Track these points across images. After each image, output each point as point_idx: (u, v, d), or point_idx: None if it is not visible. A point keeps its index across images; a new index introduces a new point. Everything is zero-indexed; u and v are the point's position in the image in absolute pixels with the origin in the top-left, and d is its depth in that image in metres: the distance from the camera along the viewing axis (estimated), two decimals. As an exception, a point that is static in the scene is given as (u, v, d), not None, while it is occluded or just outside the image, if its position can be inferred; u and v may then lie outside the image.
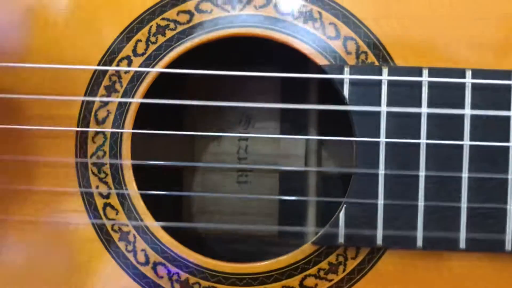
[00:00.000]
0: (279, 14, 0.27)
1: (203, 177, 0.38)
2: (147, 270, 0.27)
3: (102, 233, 0.28)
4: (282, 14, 0.27)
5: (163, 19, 0.27)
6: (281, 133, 0.38)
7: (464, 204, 0.25)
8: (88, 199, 0.28)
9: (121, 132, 0.27)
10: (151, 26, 0.27)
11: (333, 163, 0.36)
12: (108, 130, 0.27)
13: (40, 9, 0.28)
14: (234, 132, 0.37)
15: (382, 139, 0.25)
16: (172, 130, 0.32)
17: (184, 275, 0.27)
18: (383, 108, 0.25)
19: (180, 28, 0.28)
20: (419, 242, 0.25)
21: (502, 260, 0.26)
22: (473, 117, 0.25)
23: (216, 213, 0.38)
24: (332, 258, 0.27)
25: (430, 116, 0.25)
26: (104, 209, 0.28)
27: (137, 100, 0.26)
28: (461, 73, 0.25)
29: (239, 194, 0.38)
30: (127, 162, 0.27)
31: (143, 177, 0.28)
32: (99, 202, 0.28)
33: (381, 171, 0.25)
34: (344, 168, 0.31)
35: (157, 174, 0.30)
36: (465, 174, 0.25)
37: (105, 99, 0.26)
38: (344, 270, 0.27)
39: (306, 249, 0.27)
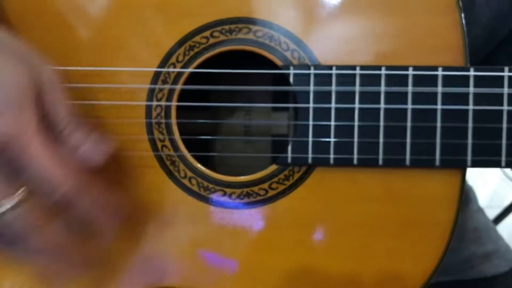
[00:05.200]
0: (256, 37, 0.48)
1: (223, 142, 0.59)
2: (186, 181, 0.49)
3: (161, 162, 0.49)
4: (258, 37, 0.48)
5: (192, 41, 0.49)
6: (273, 110, 0.58)
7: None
8: (153, 143, 0.49)
9: (170, 105, 0.48)
10: (186, 46, 0.49)
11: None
12: (163, 103, 0.48)
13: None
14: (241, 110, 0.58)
15: (311, 105, 0.45)
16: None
17: (205, 183, 0.48)
18: (311, 88, 0.45)
19: (201, 46, 0.48)
20: (331, 161, 0.45)
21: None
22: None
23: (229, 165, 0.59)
24: (286, 172, 0.46)
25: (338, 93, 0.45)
26: (161, 148, 0.49)
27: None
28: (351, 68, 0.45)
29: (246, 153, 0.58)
30: (174, 120, 0.48)
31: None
32: (159, 144, 0.49)
33: (311, 116, 0.45)
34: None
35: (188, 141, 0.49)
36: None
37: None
38: (292, 178, 0.47)
39: (272, 167, 0.47)
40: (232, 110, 0.57)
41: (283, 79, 0.47)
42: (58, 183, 0.34)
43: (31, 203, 0.34)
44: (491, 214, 1.40)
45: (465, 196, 0.63)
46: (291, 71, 0.45)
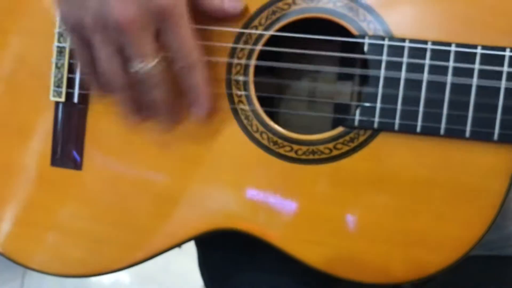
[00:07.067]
0: (335, 7, 0.51)
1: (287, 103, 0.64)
2: (257, 135, 0.53)
3: (236, 115, 0.54)
4: (337, 7, 0.51)
5: (276, 6, 0.53)
6: (338, 77, 0.62)
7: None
8: (231, 98, 0.54)
9: (250, 64, 0.53)
10: (269, 11, 0.53)
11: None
12: (242, 61, 0.53)
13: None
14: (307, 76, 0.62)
15: (382, 73, 0.49)
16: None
17: (275, 138, 0.53)
18: (384, 57, 0.49)
19: (283, 12, 0.52)
20: (396, 127, 0.49)
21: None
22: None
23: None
24: (351, 134, 0.51)
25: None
26: (238, 102, 0.54)
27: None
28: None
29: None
30: (251, 78, 0.53)
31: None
32: (236, 99, 0.54)
33: (381, 84, 0.49)
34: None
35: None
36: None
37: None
38: (357, 140, 0.51)
39: (339, 129, 0.51)
40: (299, 75, 0.61)
41: (353, 50, 0.50)
42: (190, 52, 0.47)
43: (164, 65, 0.46)
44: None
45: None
46: (366, 41, 0.49)
